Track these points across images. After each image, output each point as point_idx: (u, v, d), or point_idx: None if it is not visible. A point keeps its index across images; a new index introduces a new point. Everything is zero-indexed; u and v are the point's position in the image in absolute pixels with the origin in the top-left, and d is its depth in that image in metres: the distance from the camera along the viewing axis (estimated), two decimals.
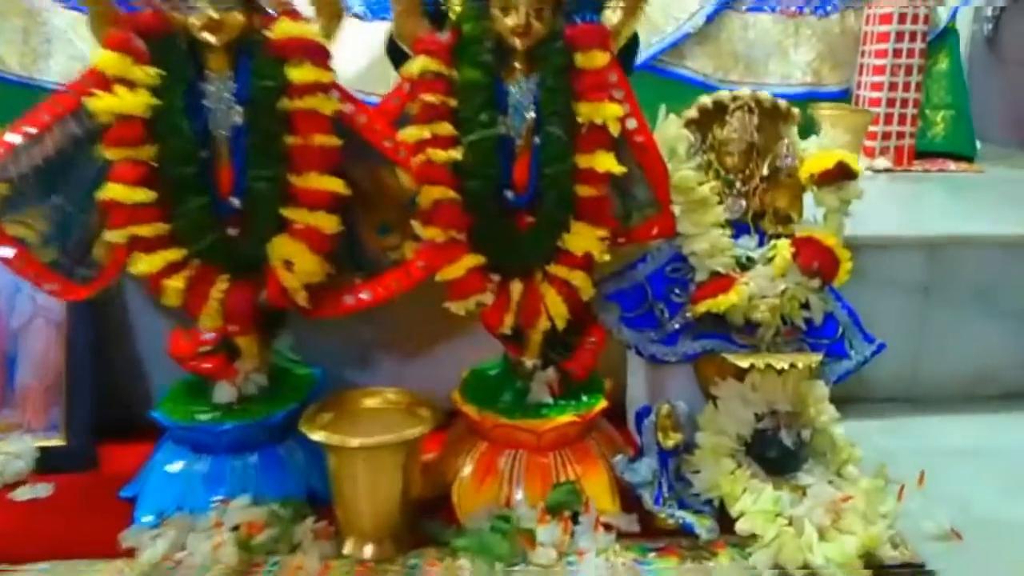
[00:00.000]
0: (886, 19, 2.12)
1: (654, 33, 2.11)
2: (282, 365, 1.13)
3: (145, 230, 0.93)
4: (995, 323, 1.39)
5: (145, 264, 0.93)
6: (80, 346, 1.17)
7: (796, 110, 1.12)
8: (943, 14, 2.27)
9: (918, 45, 2.13)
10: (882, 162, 2.15)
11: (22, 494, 1.08)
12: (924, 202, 1.75)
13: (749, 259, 1.08)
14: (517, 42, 0.97)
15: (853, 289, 1.15)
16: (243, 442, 1.03)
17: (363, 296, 1.06)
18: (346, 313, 1.06)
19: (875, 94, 2.15)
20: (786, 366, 1.00)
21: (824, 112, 1.96)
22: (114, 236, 0.93)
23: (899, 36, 2.12)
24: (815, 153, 1.10)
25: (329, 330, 1.16)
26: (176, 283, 0.94)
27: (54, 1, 2.03)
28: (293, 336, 1.16)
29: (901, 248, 1.35)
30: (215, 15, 0.93)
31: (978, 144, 2.38)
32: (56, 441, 1.15)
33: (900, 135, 2.17)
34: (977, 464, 1.20)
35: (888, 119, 2.16)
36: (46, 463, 1.13)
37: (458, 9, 0.99)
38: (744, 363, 1.02)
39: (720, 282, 1.05)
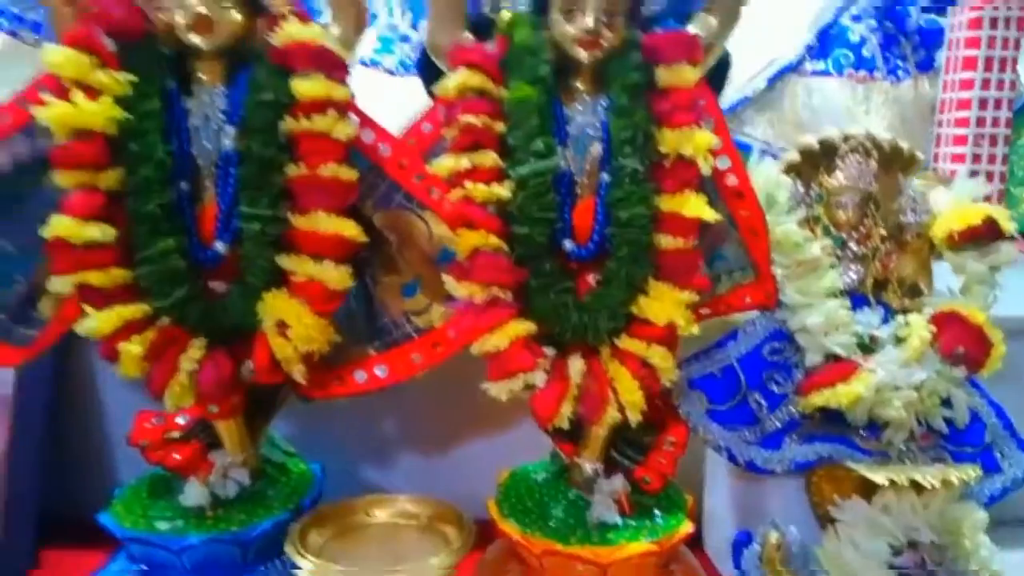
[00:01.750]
0: (967, 85, 1.94)
1: None
2: (273, 459, 0.89)
3: (99, 277, 0.71)
4: None
5: (97, 322, 0.71)
6: (28, 424, 0.94)
7: (920, 155, 0.91)
8: None
9: (1003, 114, 1.93)
10: None
11: None
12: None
13: (872, 339, 0.84)
14: (583, 54, 0.77)
15: (998, 385, 0.90)
16: (213, 561, 0.78)
17: (378, 372, 0.83)
18: (356, 394, 0.83)
19: (955, 166, 1.95)
20: (937, 483, 0.75)
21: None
22: (60, 284, 0.72)
23: (982, 104, 1.93)
24: (951, 208, 0.87)
25: (334, 415, 0.93)
26: (135, 347, 0.72)
27: None
28: (290, 422, 0.92)
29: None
30: (206, 12, 0.74)
31: None
32: None
33: None
34: None
35: None
36: None
37: (509, 15, 0.80)
38: (879, 478, 0.76)
39: (839, 368, 0.81)
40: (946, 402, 0.84)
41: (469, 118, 0.75)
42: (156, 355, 0.73)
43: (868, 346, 0.84)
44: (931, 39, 2.10)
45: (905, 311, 0.87)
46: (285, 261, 0.75)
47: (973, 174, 1.96)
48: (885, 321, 0.86)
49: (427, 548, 0.71)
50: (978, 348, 0.82)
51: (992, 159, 1.94)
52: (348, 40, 0.81)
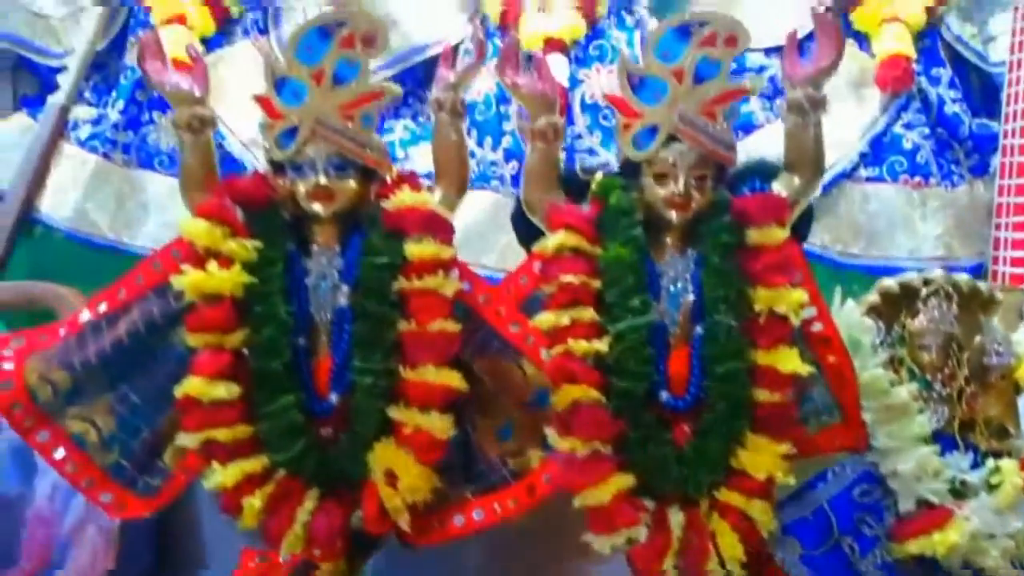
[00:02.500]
0: (1022, 190, 1.97)
1: None
2: None
3: (224, 434, 0.76)
4: None
5: (222, 476, 0.76)
6: (132, 556, 0.99)
7: (1000, 295, 0.93)
8: None
9: None
10: None
11: None
12: None
13: (964, 484, 0.85)
14: (674, 215, 0.82)
15: None
16: None
17: (475, 516, 0.86)
18: (455, 538, 0.86)
19: (1018, 270, 1.96)
20: None
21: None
22: (188, 440, 0.77)
23: None
24: None
25: (426, 555, 0.95)
26: (256, 502, 0.76)
27: (155, 171, 2.03)
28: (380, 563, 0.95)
29: None
30: (326, 182, 0.81)
31: None
32: None
33: None
34: None
35: None
36: None
37: (602, 179, 0.85)
38: None
39: (933, 515, 0.82)
40: None
41: (568, 277, 0.80)
42: (274, 508, 0.77)
43: (960, 491, 0.85)
44: (984, 144, 2.13)
45: (994, 453, 0.88)
46: (395, 412, 0.80)
47: None
48: (974, 464, 0.87)
49: None
50: None
51: None
52: (451, 202, 0.87)
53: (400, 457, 0.79)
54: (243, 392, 0.77)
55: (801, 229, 0.89)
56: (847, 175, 2.07)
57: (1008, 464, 0.85)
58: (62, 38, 2.18)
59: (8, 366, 0.79)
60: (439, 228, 0.82)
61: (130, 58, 2.08)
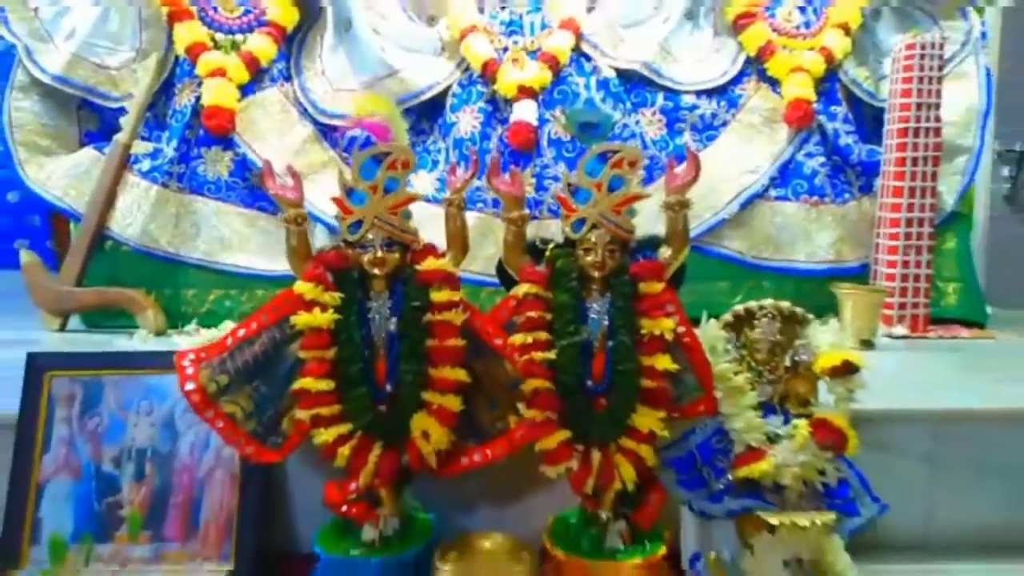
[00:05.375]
0: (896, 207, 2.47)
1: (696, 219, 2.46)
2: (408, 511, 1.44)
3: (325, 411, 1.27)
4: (995, 485, 1.64)
5: (324, 436, 1.27)
6: (250, 493, 1.49)
7: (810, 316, 1.44)
8: (949, 200, 2.61)
9: (926, 229, 2.46)
10: (900, 329, 2.45)
11: None
12: (931, 375, 2.02)
13: (776, 435, 1.36)
14: (596, 274, 1.32)
15: (868, 457, 1.43)
16: (384, 575, 1.32)
17: (475, 458, 1.37)
18: (461, 472, 1.37)
19: (890, 270, 2.48)
20: (808, 523, 1.28)
21: (844, 291, 2.28)
22: (303, 414, 1.27)
23: (908, 222, 2.46)
24: (826, 351, 1.40)
25: (443, 484, 1.46)
26: (344, 450, 1.27)
27: (204, 196, 2.49)
28: (415, 487, 1.47)
29: (907, 421, 1.62)
30: (380, 254, 1.30)
31: (990, 310, 2.67)
32: (227, 568, 1.45)
33: (915, 305, 2.48)
34: None
35: (903, 292, 2.47)
36: None
37: (552, 249, 1.36)
38: (774, 520, 1.29)
39: (754, 453, 1.34)
40: (823, 472, 1.36)
41: (531, 313, 1.31)
42: (355, 455, 1.28)
43: (773, 439, 1.36)
44: (871, 168, 2.63)
45: (799, 416, 1.39)
46: (426, 395, 1.30)
47: (904, 276, 2.49)
48: (785, 423, 1.39)
49: (513, 564, 1.24)
50: (841, 441, 1.34)
51: (919, 264, 2.48)
52: (457, 260, 1.37)
53: (430, 423, 1.29)
54: (335, 385, 1.28)
55: (677, 278, 1.39)
56: (759, 195, 2.57)
57: (802, 422, 1.36)
58: (120, 85, 2.59)
59: (190, 371, 1.29)
60: (451, 281, 1.32)
61: (178, 103, 2.53)
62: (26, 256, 2.43)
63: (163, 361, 1.52)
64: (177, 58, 2.54)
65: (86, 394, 1.53)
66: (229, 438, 1.31)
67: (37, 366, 1.54)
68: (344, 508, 1.36)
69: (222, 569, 1.45)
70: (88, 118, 2.67)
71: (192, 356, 1.31)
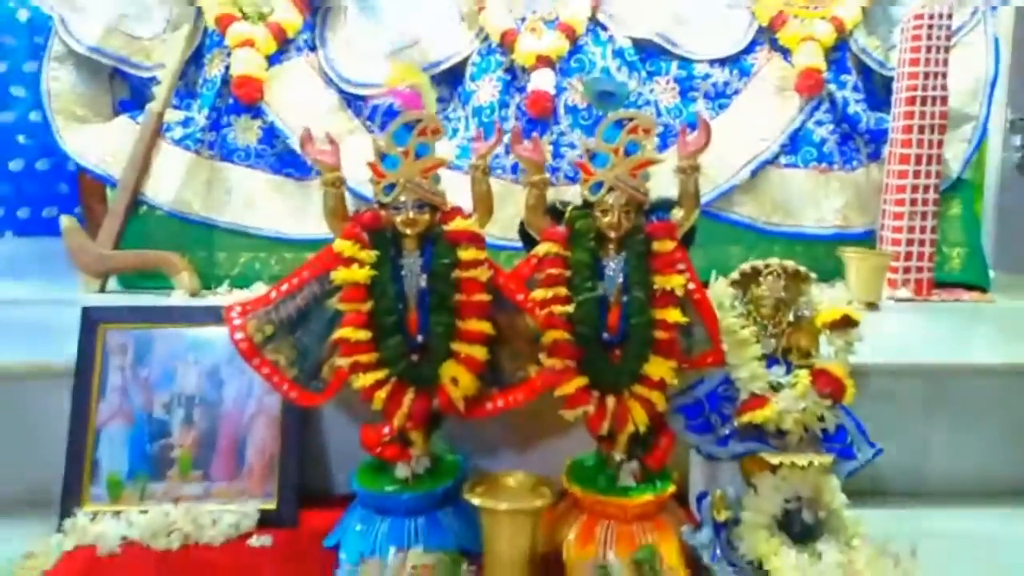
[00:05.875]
0: (903, 174, 2.55)
1: (707, 184, 2.56)
2: (437, 453, 1.56)
3: (363, 358, 1.38)
4: (986, 435, 1.74)
5: (362, 381, 1.38)
6: (290, 436, 1.62)
7: (812, 274, 1.53)
8: (954, 167, 2.69)
9: (931, 195, 2.54)
10: (904, 292, 2.54)
11: (254, 542, 1.51)
12: (931, 334, 2.12)
13: (779, 384, 1.46)
14: (612, 234, 1.41)
15: (867, 405, 1.53)
16: (415, 508, 1.44)
17: (499, 404, 1.48)
18: (487, 416, 1.48)
19: (896, 235, 2.56)
20: (807, 464, 1.39)
21: (850, 255, 2.37)
22: (343, 362, 1.39)
23: (915, 188, 2.54)
24: (827, 306, 1.50)
25: (470, 428, 1.58)
26: (381, 394, 1.39)
27: (234, 163, 2.60)
28: (444, 431, 1.58)
29: (904, 375, 1.73)
30: (412, 215, 1.40)
31: (997, 275, 2.76)
32: (271, 505, 1.58)
33: (919, 269, 2.57)
34: (966, 547, 1.54)
35: (908, 256, 2.56)
36: (264, 521, 1.56)
37: (571, 210, 1.45)
38: (776, 461, 1.40)
39: (758, 400, 1.44)
40: (822, 418, 1.47)
41: (551, 270, 1.41)
42: (390, 398, 1.40)
43: (776, 388, 1.46)
44: (879, 136, 2.70)
45: (801, 367, 1.49)
46: (455, 345, 1.41)
47: (909, 241, 2.57)
48: (788, 373, 1.49)
49: (535, 497, 1.36)
50: (839, 389, 1.43)
51: (923, 229, 2.57)
52: (483, 222, 1.46)
53: (458, 370, 1.40)
54: (371, 336, 1.39)
55: (688, 239, 1.49)
56: (770, 162, 2.65)
57: (803, 372, 1.46)
58: (152, 55, 2.69)
59: (238, 321, 1.40)
60: (477, 241, 1.42)
61: (208, 72, 2.63)
62: (66, 221, 2.54)
63: (208, 315, 1.64)
64: (207, 29, 2.64)
65: (137, 345, 1.66)
66: (274, 384, 1.43)
67: (91, 319, 1.66)
68: (379, 450, 1.48)
69: (266, 506, 1.58)
70: (120, 87, 2.78)
71: (239, 308, 1.42)
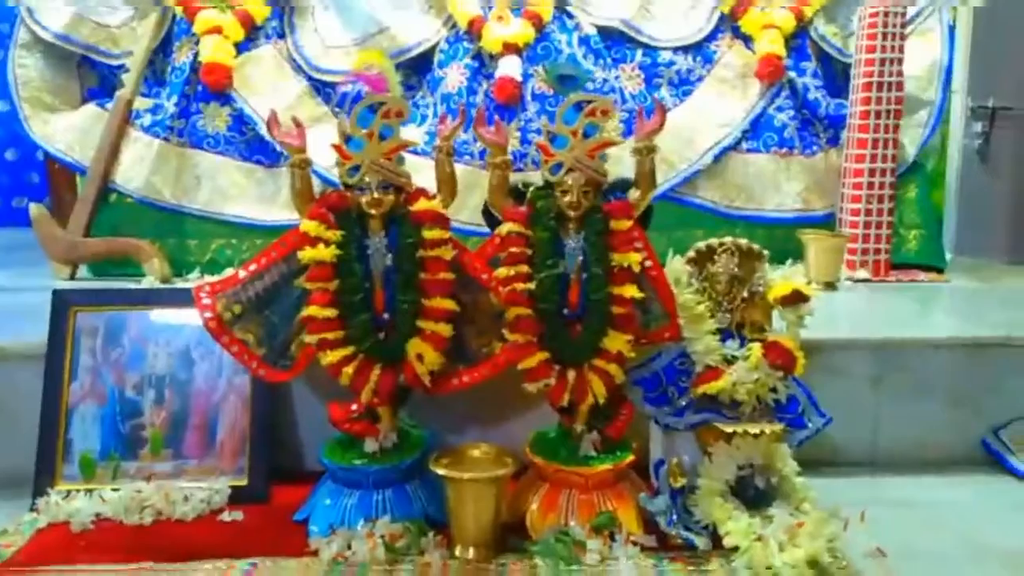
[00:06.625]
0: (860, 158, 2.62)
1: (671, 170, 2.62)
2: (404, 427, 1.60)
3: (330, 335, 1.42)
4: (932, 406, 1.82)
5: (329, 357, 1.42)
6: (260, 414, 1.65)
7: (765, 252, 1.59)
8: (911, 152, 2.77)
9: (888, 179, 2.62)
10: (862, 273, 2.62)
11: (226, 517, 1.54)
12: (884, 312, 2.20)
13: (733, 357, 1.52)
14: (571, 213, 1.46)
15: (820, 378, 1.60)
16: (383, 481, 1.49)
17: (464, 379, 1.53)
18: (452, 391, 1.53)
19: (854, 218, 2.64)
20: (759, 432, 1.45)
21: (808, 237, 2.44)
22: (310, 339, 1.42)
23: (871, 172, 2.61)
24: (778, 282, 1.56)
25: (436, 403, 1.62)
26: (348, 370, 1.42)
27: (204, 150, 2.61)
28: (410, 407, 1.63)
29: (853, 348, 1.80)
30: (376, 196, 1.44)
31: (956, 257, 2.84)
32: (242, 482, 1.62)
33: (876, 251, 2.65)
34: (913, 512, 1.61)
35: (866, 238, 2.64)
36: (235, 497, 1.59)
37: (532, 191, 1.50)
38: (729, 430, 1.46)
39: (712, 372, 1.50)
40: (775, 389, 1.53)
41: (513, 248, 1.45)
42: (358, 374, 1.44)
43: (730, 360, 1.52)
44: (838, 121, 2.77)
45: (754, 340, 1.56)
46: (421, 323, 1.45)
47: (867, 224, 2.65)
48: (741, 346, 1.55)
49: (498, 467, 1.41)
50: (790, 361, 1.49)
51: (880, 212, 2.64)
52: (447, 203, 1.50)
53: (424, 347, 1.44)
54: (338, 313, 1.43)
55: (645, 218, 1.54)
56: (732, 147, 2.71)
57: (756, 345, 1.52)
58: (120, 42, 2.70)
59: (207, 301, 1.43)
60: (442, 221, 1.46)
61: (176, 60, 2.64)
62: (35, 209, 2.54)
63: (179, 298, 1.67)
64: (175, 16, 2.65)
65: (108, 328, 1.68)
66: (244, 362, 1.46)
67: (62, 302, 1.68)
68: (347, 425, 1.52)
69: (237, 483, 1.62)
70: (88, 75, 2.78)
71: (208, 288, 1.45)
